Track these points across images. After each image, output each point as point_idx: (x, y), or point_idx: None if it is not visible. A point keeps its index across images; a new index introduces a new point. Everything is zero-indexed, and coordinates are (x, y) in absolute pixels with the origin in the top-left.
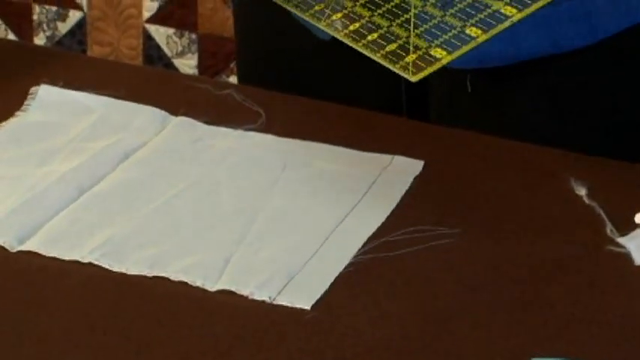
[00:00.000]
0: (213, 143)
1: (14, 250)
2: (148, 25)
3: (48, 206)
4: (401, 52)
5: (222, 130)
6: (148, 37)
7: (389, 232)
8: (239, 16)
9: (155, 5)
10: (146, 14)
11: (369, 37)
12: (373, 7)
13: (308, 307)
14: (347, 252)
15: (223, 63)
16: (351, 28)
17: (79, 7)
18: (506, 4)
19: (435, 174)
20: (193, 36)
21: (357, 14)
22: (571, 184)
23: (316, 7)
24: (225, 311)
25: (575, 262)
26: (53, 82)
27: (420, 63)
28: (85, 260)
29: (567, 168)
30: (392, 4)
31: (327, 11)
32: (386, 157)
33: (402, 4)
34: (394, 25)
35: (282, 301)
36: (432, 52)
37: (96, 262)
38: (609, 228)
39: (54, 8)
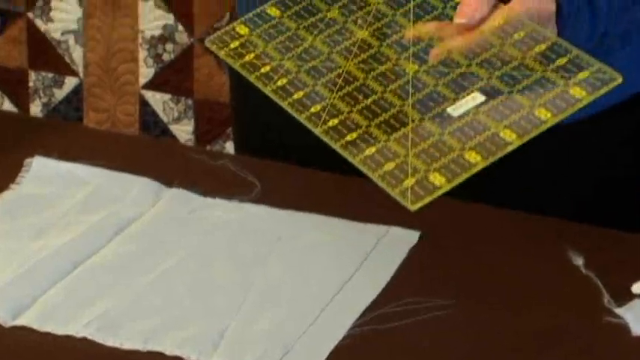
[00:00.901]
0: (208, 215)
1: (8, 326)
2: (144, 91)
3: (42, 280)
4: (399, 174)
5: (217, 201)
6: (144, 104)
7: (384, 304)
8: (234, 87)
9: (151, 71)
10: (142, 80)
11: (367, 152)
12: (370, 116)
13: None
14: (342, 324)
15: (220, 128)
16: (348, 138)
17: (75, 74)
18: (506, 127)
19: (430, 244)
20: (189, 102)
21: (353, 122)
22: (568, 254)
23: (312, 110)
24: None
25: (572, 333)
26: (48, 153)
27: (418, 190)
28: (79, 335)
29: (564, 237)
30: (389, 113)
31: (324, 115)
32: (382, 228)
33: (400, 115)
34: (391, 139)
35: None
36: (430, 178)
37: (90, 337)
38: (606, 298)
39: (50, 75)
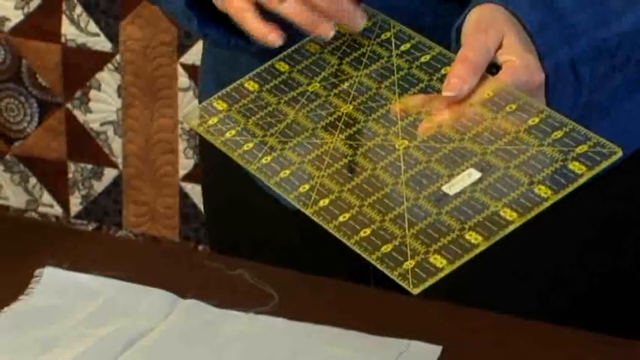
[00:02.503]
0: (223, 328)
1: None
2: (183, 183)
3: None
4: (397, 256)
5: (233, 313)
6: (184, 196)
7: None
8: (208, 190)
9: (191, 162)
10: (182, 172)
11: (362, 233)
12: (362, 195)
13: None
14: None
15: None
16: (341, 219)
17: (114, 165)
18: (505, 205)
19: (451, 357)
20: None
21: (345, 201)
22: None
23: (300, 189)
24: None
25: None
26: (60, 262)
27: (419, 272)
28: None
29: (584, 347)
30: (382, 192)
31: (313, 194)
32: (402, 342)
33: (393, 194)
34: (387, 220)
35: None
36: (431, 260)
37: None
38: None
39: (89, 166)
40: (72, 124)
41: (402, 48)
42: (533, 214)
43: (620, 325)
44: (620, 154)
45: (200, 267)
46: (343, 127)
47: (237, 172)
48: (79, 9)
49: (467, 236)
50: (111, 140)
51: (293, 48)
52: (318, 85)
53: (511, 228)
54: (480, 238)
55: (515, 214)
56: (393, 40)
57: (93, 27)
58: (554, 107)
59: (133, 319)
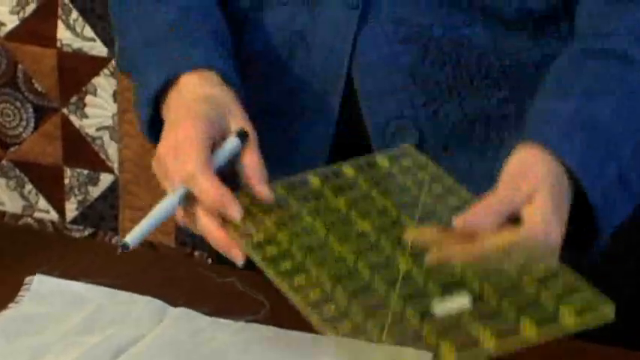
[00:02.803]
0: (214, 336)
1: None
2: None
3: None
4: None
5: (223, 322)
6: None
7: None
8: None
9: None
10: None
11: (345, 326)
12: (351, 294)
13: None
14: None
15: None
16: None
17: (110, 170)
18: (490, 335)
19: None
20: None
21: (331, 295)
22: None
23: (297, 279)
24: None
25: None
26: (53, 269)
27: None
28: None
29: None
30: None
31: (302, 282)
32: (395, 349)
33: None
34: (368, 322)
35: None
36: None
37: None
38: None
39: (85, 171)
40: (68, 129)
41: (434, 189)
42: (512, 348)
43: None
44: (611, 315)
45: (192, 274)
46: (354, 238)
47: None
48: (74, 14)
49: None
50: (107, 145)
51: (329, 167)
52: (343, 202)
53: (487, 355)
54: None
55: (494, 343)
56: (427, 179)
57: (89, 32)
58: (604, 226)
59: (123, 326)
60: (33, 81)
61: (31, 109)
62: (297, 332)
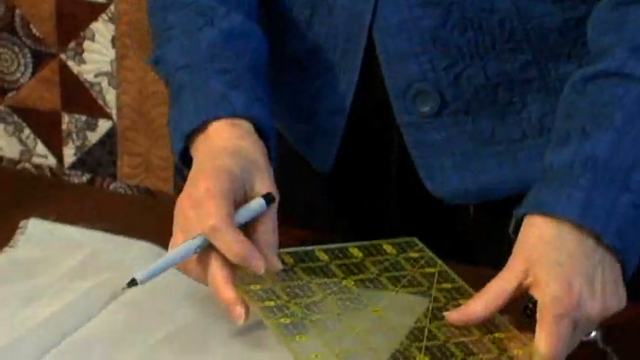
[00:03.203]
0: None
1: None
2: None
3: (27, 353)
4: None
5: None
6: None
7: None
8: None
9: None
10: None
11: None
12: None
13: None
14: None
15: None
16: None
17: (108, 116)
18: None
19: None
20: None
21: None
22: None
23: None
24: None
25: None
26: (49, 214)
27: None
28: None
29: None
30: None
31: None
32: (390, 293)
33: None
34: None
35: None
36: None
37: None
38: None
39: (83, 117)
40: (66, 75)
41: (443, 285)
42: None
43: None
44: None
45: None
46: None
47: None
48: None
49: None
50: (105, 91)
51: (336, 245)
52: (353, 282)
53: None
54: None
55: None
56: (436, 275)
57: None
58: (632, 260)
59: (118, 272)
60: (31, 26)
61: (29, 55)
62: None
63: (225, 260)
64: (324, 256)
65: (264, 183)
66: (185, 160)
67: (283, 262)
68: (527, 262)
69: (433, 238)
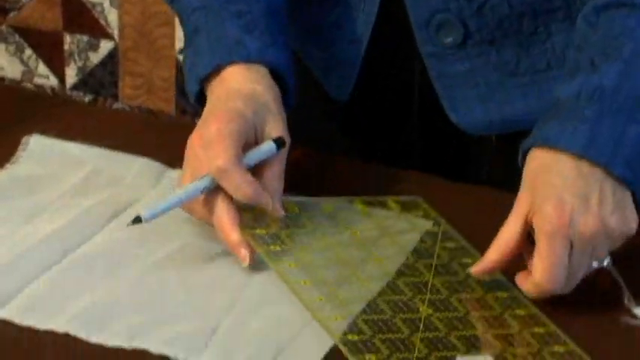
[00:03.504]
0: None
1: None
2: (180, 56)
3: (27, 270)
4: None
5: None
6: (182, 69)
7: None
8: None
9: None
10: (179, 44)
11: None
12: (375, 328)
13: None
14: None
15: None
16: (349, 337)
17: (110, 37)
18: None
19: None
20: None
21: (357, 326)
22: None
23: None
24: None
25: (586, 329)
26: (48, 131)
27: None
28: (61, 330)
29: None
30: (396, 336)
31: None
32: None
33: (405, 342)
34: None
35: None
36: None
37: (73, 333)
38: (627, 296)
39: (85, 38)
40: None
41: (447, 245)
42: None
43: None
44: None
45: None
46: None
47: None
48: None
49: None
50: (107, 12)
51: (341, 198)
52: (359, 232)
53: None
54: None
55: None
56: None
57: None
58: None
59: (119, 188)
60: None
61: None
62: (298, 197)
63: (231, 203)
64: (329, 208)
65: (276, 127)
66: (200, 100)
67: (287, 211)
68: (530, 194)
69: (454, 169)
